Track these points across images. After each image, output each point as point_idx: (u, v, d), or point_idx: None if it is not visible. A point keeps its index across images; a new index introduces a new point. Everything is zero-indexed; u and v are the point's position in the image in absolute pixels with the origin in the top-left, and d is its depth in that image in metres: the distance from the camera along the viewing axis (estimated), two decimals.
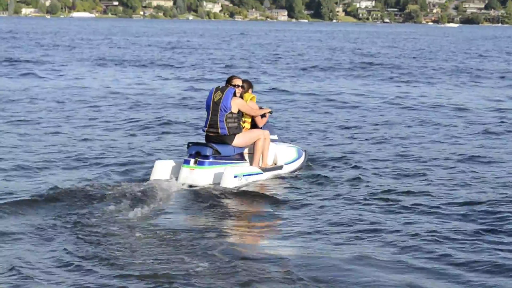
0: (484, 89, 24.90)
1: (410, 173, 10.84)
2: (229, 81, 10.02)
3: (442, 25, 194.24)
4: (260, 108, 10.50)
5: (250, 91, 10.36)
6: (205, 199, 9.03)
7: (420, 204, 8.87)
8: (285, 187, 9.94)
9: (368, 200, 9.12)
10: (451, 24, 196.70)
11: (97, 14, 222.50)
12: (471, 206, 8.75)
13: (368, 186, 9.87)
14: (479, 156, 12.14)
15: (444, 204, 8.92)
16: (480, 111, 18.67)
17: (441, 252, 7.04)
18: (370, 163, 11.57)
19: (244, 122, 10.10)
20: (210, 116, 9.81)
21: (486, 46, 64.61)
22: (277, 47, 55.69)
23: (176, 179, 9.58)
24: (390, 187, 9.76)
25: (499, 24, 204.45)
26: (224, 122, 9.68)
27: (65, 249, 6.84)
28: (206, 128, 9.91)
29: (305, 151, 11.37)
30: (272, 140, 10.53)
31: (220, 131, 9.72)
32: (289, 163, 10.68)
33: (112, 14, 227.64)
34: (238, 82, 9.99)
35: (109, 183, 9.53)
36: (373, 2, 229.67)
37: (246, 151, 10.27)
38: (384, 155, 12.33)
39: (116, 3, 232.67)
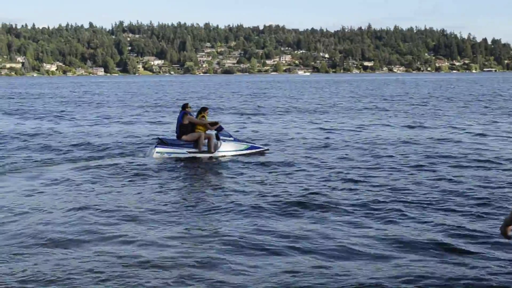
0: None
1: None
2: (183, 107, 18.22)
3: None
4: (211, 121, 18.25)
5: (205, 112, 18.12)
6: (152, 164, 16.48)
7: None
8: (204, 164, 16.71)
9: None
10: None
11: None
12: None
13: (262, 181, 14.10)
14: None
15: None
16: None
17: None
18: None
19: (197, 128, 17.86)
20: (176, 127, 18.21)
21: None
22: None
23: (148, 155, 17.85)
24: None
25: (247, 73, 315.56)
26: (179, 129, 17.97)
27: None
28: (176, 132, 18.31)
29: (265, 148, 18.67)
30: (227, 140, 17.82)
31: (177, 133, 18.06)
32: (223, 151, 17.82)
33: None
34: (187, 106, 18.16)
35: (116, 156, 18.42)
36: (163, 60, 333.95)
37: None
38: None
39: None
